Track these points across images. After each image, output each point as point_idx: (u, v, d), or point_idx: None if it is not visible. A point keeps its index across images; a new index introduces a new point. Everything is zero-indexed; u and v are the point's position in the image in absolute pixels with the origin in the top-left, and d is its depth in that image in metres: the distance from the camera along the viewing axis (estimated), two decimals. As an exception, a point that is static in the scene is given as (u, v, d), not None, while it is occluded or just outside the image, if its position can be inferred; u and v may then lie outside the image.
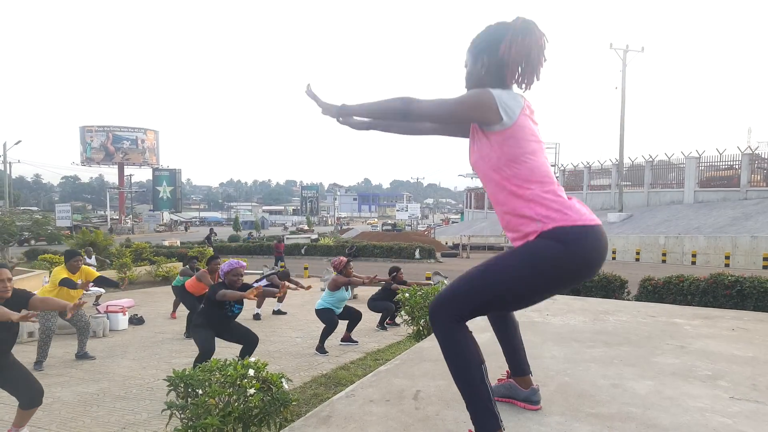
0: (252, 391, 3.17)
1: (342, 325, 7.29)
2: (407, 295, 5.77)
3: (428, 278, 13.73)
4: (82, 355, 6.83)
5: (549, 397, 2.41)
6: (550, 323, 3.94)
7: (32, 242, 28.11)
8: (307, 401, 4.92)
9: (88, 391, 5.49)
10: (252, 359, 3.45)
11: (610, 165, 35.06)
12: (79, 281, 6.59)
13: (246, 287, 5.30)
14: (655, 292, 7.90)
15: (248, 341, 5.43)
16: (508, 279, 1.90)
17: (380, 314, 8.52)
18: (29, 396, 3.97)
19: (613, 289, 8.80)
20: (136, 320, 9.57)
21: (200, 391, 3.19)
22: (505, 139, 1.93)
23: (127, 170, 70.47)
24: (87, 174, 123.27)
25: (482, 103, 1.91)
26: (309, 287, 8.09)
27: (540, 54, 2.00)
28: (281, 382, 3.42)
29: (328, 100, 2.25)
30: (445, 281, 11.28)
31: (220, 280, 5.35)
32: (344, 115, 2.20)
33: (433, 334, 4.09)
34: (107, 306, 9.19)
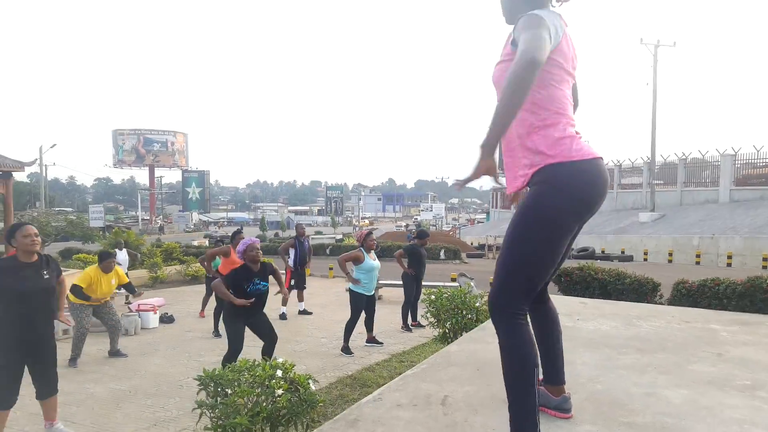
0: (280, 391, 3.20)
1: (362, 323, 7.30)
2: (433, 297, 5.75)
3: (453, 279, 13.63)
4: (115, 353, 6.99)
5: (580, 405, 2.36)
6: (581, 328, 3.87)
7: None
8: (332, 402, 4.95)
9: (121, 388, 5.61)
10: (280, 360, 3.48)
11: (641, 163, 34.31)
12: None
13: (266, 267, 5.43)
14: (689, 295, 7.69)
15: (270, 339, 5.49)
16: (529, 246, 1.90)
17: (401, 310, 8.57)
18: (45, 382, 4.09)
19: (645, 292, 8.61)
20: (166, 319, 9.76)
21: (229, 391, 3.24)
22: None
23: (158, 172, 72.05)
24: (119, 176, 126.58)
25: (544, 23, 1.81)
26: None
27: None
28: (308, 383, 3.44)
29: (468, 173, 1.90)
30: (471, 283, 11.18)
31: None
32: (489, 151, 1.78)
33: (459, 338, 4.06)
34: (138, 305, 9.38)
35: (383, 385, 5.33)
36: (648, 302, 8.54)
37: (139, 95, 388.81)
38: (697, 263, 21.98)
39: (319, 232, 48.64)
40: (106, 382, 5.82)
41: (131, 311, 9.15)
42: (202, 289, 10.68)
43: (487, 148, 1.75)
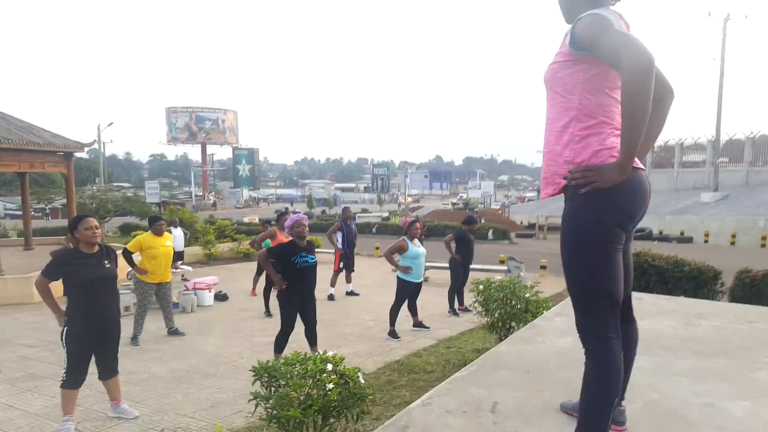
0: (330, 386, 3.28)
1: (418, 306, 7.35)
2: (481, 287, 5.71)
3: (502, 262, 13.45)
4: (173, 331, 7.32)
5: (635, 416, 2.31)
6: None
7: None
8: (381, 387, 5.02)
9: (180, 368, 5.89)
10: (330, 353, 3.56)
11: (704, 141, 32.63)
12: (136, 255, 7.07)
13: (311, 245, 5.65)
14: (753, 285, 7.35)
15: (310, 324, 5.70)
16: (588, 264, 1.88)
17: (448, 295, 8.57)
18: (106, 365, 4.35)
19: (705, 280, 8.28)
20: (220, 297, 10.14)
21: (282, 382, 3.35)
22: (596, 65, 1.83)
23: (209, 149, 73.92)
24: (173, 152, 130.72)
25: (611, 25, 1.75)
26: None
27: None
28: (358, 376, 3.51)
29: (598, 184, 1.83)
30: (521, 270, 11.00)
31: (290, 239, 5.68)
32: (627, 173, 1.78)
33: (508, 338, 4.02)
34: (194, 283, 9.77)
35: (430, 372, 5.43)
36: (708, 289, 8.21)
37: (191, 73, 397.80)
38: (763, 246, 20.90)
39: (365, 210, 48.86)
40: (167, 362, 6.12)
41: (188, 289, 9.53)
42: (253, 266, 11.02)
43: (626, 166, 1.73)
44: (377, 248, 17.73)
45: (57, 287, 4.08)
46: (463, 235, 8.83)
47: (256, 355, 6.23)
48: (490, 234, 23.68)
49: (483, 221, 27.21)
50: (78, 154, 14.66)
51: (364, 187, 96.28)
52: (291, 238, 5.63)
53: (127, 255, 6.93)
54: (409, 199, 69.47)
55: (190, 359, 6.21)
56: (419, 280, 7.09)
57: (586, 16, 1.81)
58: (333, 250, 10.50)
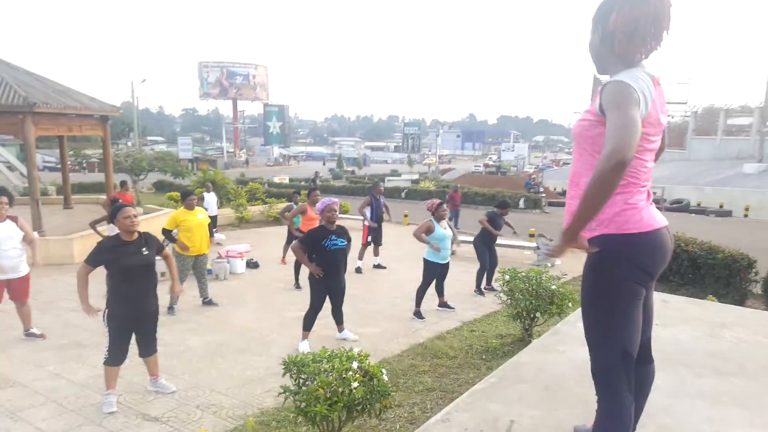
0: (355, 384, 3.45)
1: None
2: (507, 277, 5.77)
3: (532, 236, 13.26)
4: (207, 302, 7.64)
5: (647, 443, 2.40)
6: (658, 338, 3.76)
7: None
8: (404, 372, 5.20)
9: (214, 341, 6.18)
10: (356, 350, 3.72)
11: (751, 108, 31.20)
12: (175, 231, 7.32)
13: (341, 229, 5.88)
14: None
15: (337, 305, 6.02)
16: (607, 318, 1.95)
17: (476, 275, 8.62)
18: (146, 344, 4.63)
19: (738, 269, 8.16)
20: (251, 264, 10.47)
21: (305, 377, 3.54)
22: None
23: (240, 105, 74.16)
24: (204, 107, 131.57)
25: (634, 98, 1.77)
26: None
27: (651, 25, 1.85)
28: (381, 373, 3.67)
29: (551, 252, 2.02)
30: (551, 244, 10.91)
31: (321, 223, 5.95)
32: (572, 240, 1.90)
33: (531, 344, 4.08)
34: (227, 251, 10.08)
35: (453, 357, 5.58)
36: (741, 278, 8.09)
37: (223, 28, 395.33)
38: (806, 222, 20.21)
39: (394, 171, 48.62)
40: (201, 334, 6.43)
41: (221, 257, 9.85)
42: (283, 231, 11.21)
43: (570, 234, 1.86)
44: (406, 216, 17.79)
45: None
46: (494, 218, 8.78)
47: (286, 331, 6.51)
48: (521, 202, 23.36)
49: (541, 191, 26.10)
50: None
51: (395, 146, 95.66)
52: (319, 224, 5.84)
53: (167, 233, 7.20)
54: (434, 159, 67.65)
55: (224, 332, 6.50)
56: (445, 261, 7.18)
57: (612, 83, 1.83)
58: (361, 218, 10.66)
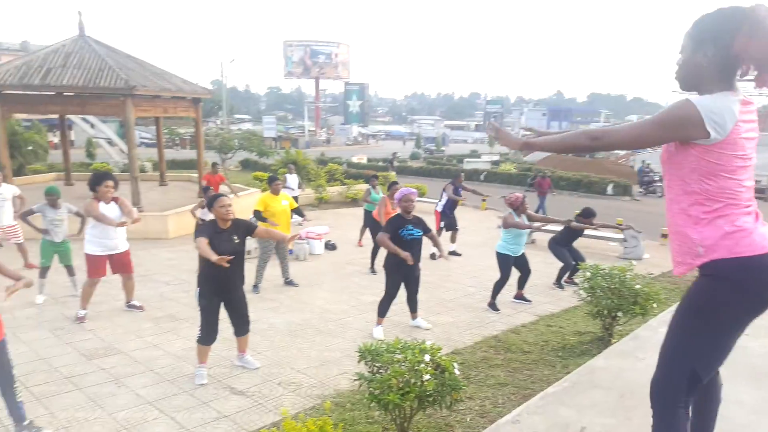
0: (427, 377, 3.54)
1: (514, 278, 7.34)
2: (588, 275, 5.61)
3: (619, 225, 12.63)
4: (289, 282, 8.03)
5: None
6: (747, 348, 3.58)
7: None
8: (476, 365, 5.22)
9: (294, 320, 6.50)
10: (428, 343, 3.81)
11: None
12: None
13: (418, 219, 5.96)
14: None
15: (412, 293, 6.14)
16: (696, 340, 1.89)
17: (558, 269, 8.37)
18: (240, 324, 4.97)
19: None
20: (329, 246, 10.83)
21: (380, 365, 3.68)
22: (707, 152, 1.81)
23: (321, 84, 75.54)
24: (288, 85, 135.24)
25: (687, 122, 1.76)
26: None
27: None
28: (453, 367, 3.74)
29: (509, 135, 2.28)
30: (639, 238, 10.38)
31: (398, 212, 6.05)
32: (526, 149, 2.22)
33: (608, 349, 3.99)
34: (307, 233, 10.47)
35: (527, 352, 5.53)
36: None
37: (306, 6, 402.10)
38: None
39: (474, 152, 47.83)
40: (283, 313, 6.78)
41: (301, 238, 10.26)
42: (360, 213, 11.45)
43: (523, 147, 2.16)
44: (484, 200, 17.53)
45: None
46: (575, 226, 8.29)
47: (362, 315, 6.73)
48: (609, 189, 22.29)
49: (657, 179, 23.53)
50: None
51: (475, 125, 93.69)
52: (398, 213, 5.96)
53: (258, 215, 7.59)
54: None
55: (303, 312, 6.81)
56: (518, 254, 7.09)
57: (683, 100, 1.78)
58: (434, 202, 10.69)
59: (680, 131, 1.78)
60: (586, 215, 8.38)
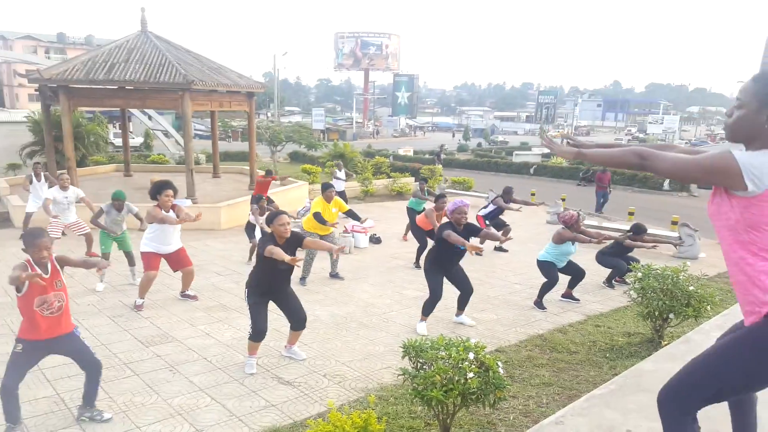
0: (471, 375, 3.55)
1: (563, 278, 7.22)
2: (639, 275, 5.45)
3: (674, 223, 12.18)
4: (334, 275, 8.17)
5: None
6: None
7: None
8: (520, 363, 5.17)
9: (339, 313, 6.62)
10: (473, 341, 3.80)
11: None
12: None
13: (471, 228, 5.94)
14: None
15: (464, 289, 6.13)
16: (734, 371, 1.89)
17: (609, 270, 8.14)
18: (298, 320, 5.09)
19: None
20: (374, 239, 10.93)
21: (423, 361, 3.71)
22: (749, 205, 1.85)
23: (371, 75, 75.83)
24: (337, 77, 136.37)
25: (725, 171, 1.84)
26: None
27: None
28: (497, 366, 3.73)
29: (564, 146, 2.33)
30: (696, 236, 9.95)
31: (447, 220, 6.02)
32: (580, 158, 2.27)
33: (657, 352, 3.88)
34: (353, 226, 10.59)
35: (574, 353, 5.44)
36: None
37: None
38: None
39: (524, 144, 46.87)
40: (328, 305, 6.91)
41: (347, 231, 10.40)
42: (404, 206, 11.46)
43: (578, 156, 2.21)
44: (533, 194, 17.23)
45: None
46: (628, 244, 7.97)
47: (405, 310, 6.78)
48: (665, 184, 21.45)
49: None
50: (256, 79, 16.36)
51: (526, 116, 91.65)
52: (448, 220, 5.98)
53: (319, 217, 7.74)
54: (559, 131, 62.70)
55: (348, 305, 6.93)
56: (561, 266, 7.01)
57: (727, 151, 1.84)
58: (484, 196, 10.56)
59: (720, 179, 1.88)
60: (637, 231, 8.03)
